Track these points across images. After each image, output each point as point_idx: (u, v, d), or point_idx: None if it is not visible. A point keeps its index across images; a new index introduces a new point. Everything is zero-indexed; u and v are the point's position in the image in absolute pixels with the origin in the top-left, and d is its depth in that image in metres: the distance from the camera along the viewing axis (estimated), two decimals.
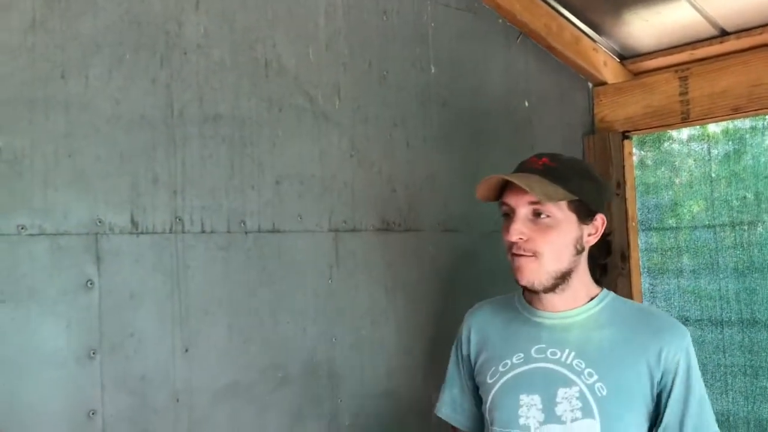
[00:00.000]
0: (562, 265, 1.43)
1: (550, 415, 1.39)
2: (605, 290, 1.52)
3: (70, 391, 1.33)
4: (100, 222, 1.39)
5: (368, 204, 1.80)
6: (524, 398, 1.42)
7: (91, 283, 1.37)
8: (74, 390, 1.34)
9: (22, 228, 1.30)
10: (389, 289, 1.85)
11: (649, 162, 2.44)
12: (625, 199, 2.37)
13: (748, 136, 2.22)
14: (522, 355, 1.47)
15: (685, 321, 2.34)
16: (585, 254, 1.48)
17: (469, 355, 1.58)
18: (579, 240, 1.44)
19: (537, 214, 1.41)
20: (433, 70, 1.99)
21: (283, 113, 1.67)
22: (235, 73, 1.60)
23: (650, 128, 2.35)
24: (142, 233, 1.44)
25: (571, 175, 1.43)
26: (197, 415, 1.49)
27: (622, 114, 2.40)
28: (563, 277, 1.44)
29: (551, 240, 1.41)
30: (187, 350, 1.49)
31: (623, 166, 2.38)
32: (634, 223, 2.39)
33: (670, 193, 2.39)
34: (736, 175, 2.24)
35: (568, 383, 1.40)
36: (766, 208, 2.17)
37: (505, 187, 1.46)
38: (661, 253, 2.40)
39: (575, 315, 1.47)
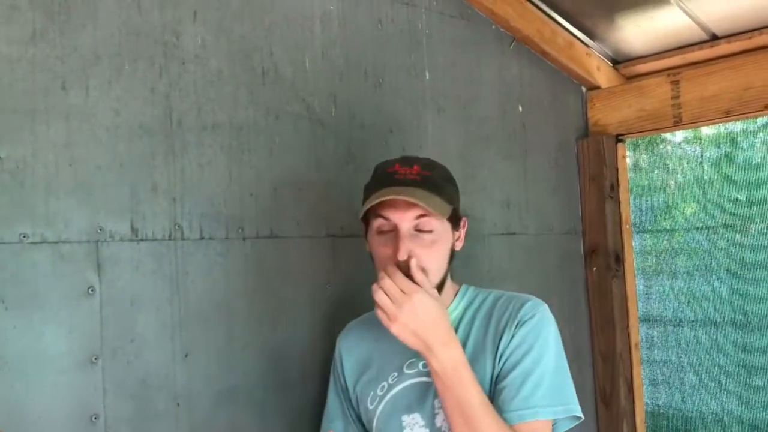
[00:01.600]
0: (440, 277, 1.40)
1: (432, 429, 1.36)
2: (464, 285, 1.49)
3: (72, 396, 1.35)
4: (100, 230, 1.41)
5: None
6: (406, 419, 1.39)
7: (92, 290, 1.39)
8: (77, 395, 1.36)
9: (24, 236, 1.32)
10: None
11: (642, 165, 2.47)
12: (619, 202, 2.40)
13: (739, 139, 2.25)
14: (396, 374, 1.43)
15: (680, 321, 2.37)
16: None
17: (346, 385, 1.53)
18: (452, 248, 1.43)
19: (420, 228, 1.36)
20: (427, 77, 2.02)
21: (280, 121, 1.69)
22: (233, 82, 1.62)
23: (643, 132, 2.38)
24: (142, 240, 1.47)
25: (443, 181, 1.41)
26: (198, 419, 1.52)
27: (616, 117, 2.43)
28: (439, 288, 1.39)
29: (437, 255, 1.37)
30: (187, 355, 1.51)
31: (617, 169, 2.41)
32: (628, 226, 2.42)
33: (664, 195, 2.42)
34: (729, 177, 2.27)
35: None
36: (758, 210, 2.20)
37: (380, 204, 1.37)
38: (656, 255, 2.43)
39: None
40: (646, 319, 2.44)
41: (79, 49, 1.41)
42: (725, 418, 2.26)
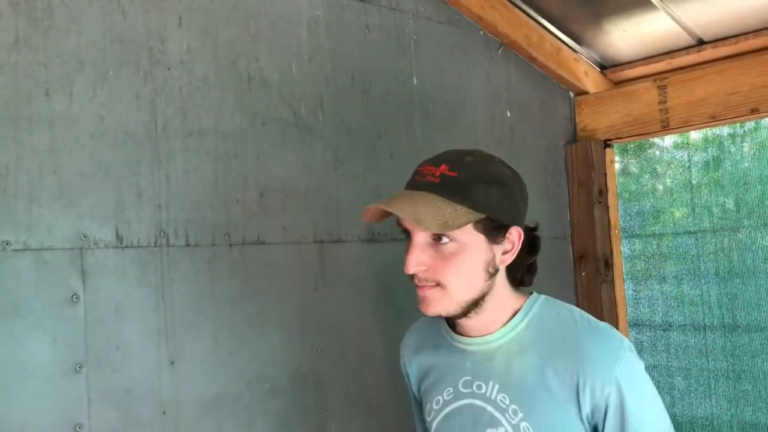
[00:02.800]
0: (473, 293, 1.21)
1: None
2: (532, 297, 1.29)
3: (56, 405, 1.34)
4: (84, 237, 1.40)
5: (353, 215, 1.82)
6: None
7: (76, 298, 1.38)
8: (61, 404, 1.35)
9: (7, 244, 1.31)
10: (375, 300, 1.86)
11: (631, 170, 2.48)
12: (608, 207, 2.40)
13: (726, 143, 2.26)
14: (451, 389, 1.31)
15: (669, 326, 2.37)
16: (501, 270, 1.25)
17: (414, 392, 1.44)
18: (491, 263, 1.21)
19: (437, 237, 1.18)
20: (415, 82, 2.02)
21: (267, 126, 1.69)
22: (219, 87, 1.61)
23: (631, 136, 2.39)
24: (126, 247, 1.46)
25: (476, 184, 1.18)
26: (184, 428, 1.50)
27: (604, 123, 2.44)
28: (475, 304, 1.22)
29: (457, 269, 1.18)
30: (173, 363, 1.50)
31: (605, 174, 2.41)
32: (616, 231, 2.42)
33: (652, 200, 2.43)
34: (717, 182, 2.27)
35: (494, 424, 1.23)
36: (746, 214, 2.20)
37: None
38: (644, 260, 2.44)
39: (497, 339, 1.26)
40: (636, 324, 2.44)
41: (63, 55, 1.40)
42: (715, 422, 2.26)
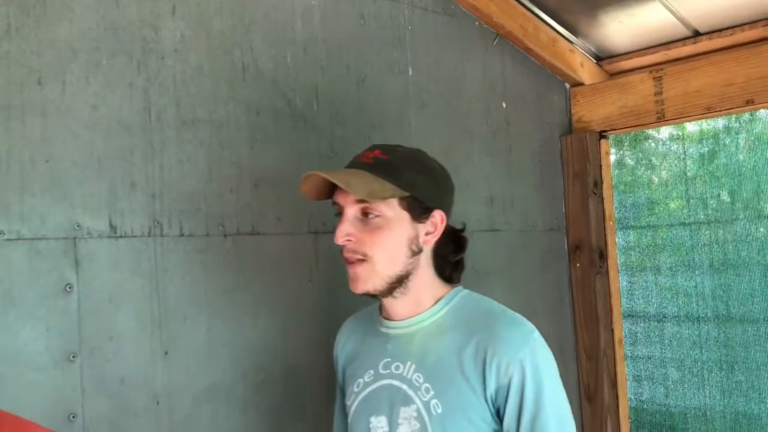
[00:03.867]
0: (396, 268, 1.31)
1: None
2: (456, 289, 1.40)
3: (50, 395, 1.34)
4: (78, 226, 1.40)
5: None
6: (373, 420, 1.35)
7: (69, 287, 1.38)
8: (54, 394, 1.34)
9: (0, 233, 1.30)
10: None
11: (626, 161, 2.48)
12: (603, 198, 2.40)
13: (722, 135, 2.26)
14: (372, 371, 1.38)
15: (663, 317, 2.38)
16: (427, 255, 1.36)
17: (341, 381, 1.51)
18: (414, 240, 1.32)
19: (366, 213, 1.30)
20: (410, 73, 2.01)
21: (261, 116, 1.68)
22: (213, 77, 1.61)
23: (627, 128, 2.38)
24: (120, 237, 1.45)
25: (404, 168, 1.31)
26: (178, 418, 1.50)
27: (599, 114, 2.43)
28: (400, 281, 1.33)
29: (381, 241, 1.29)
30: (166, 353, 1.49)
31: (600, 166, 2.41)
32: (611, 222, 2.43)
33: (647, 191, 2.43)
34: (712, 174, 2.28)
35: (407, 401, 1.31)
36: (741, 207, 2.21)
37: (335, 185, 1.33)
38: (639, 251, 2.44)
39: (418, 322, 1.36)
40: (630, 315, 2.45)
41: (56, 44, 1.39)
42: (708, 412, 2.27)
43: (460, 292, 1.40)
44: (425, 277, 1.37)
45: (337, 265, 1.77)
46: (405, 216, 1.31)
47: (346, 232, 1.30)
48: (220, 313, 1.58)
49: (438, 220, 1.35)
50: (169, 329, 1.50)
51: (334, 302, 1.78)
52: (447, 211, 1.38)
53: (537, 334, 1.30)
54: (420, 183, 1.32)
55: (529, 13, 2.27)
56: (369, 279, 1.31)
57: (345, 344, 1.50)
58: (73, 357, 1.37)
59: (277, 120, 1.71)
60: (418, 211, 1.33)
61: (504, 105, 2.28)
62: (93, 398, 1.39)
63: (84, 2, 1.43)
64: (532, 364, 1.26)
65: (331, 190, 1.35)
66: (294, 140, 1.74)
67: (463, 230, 1.45)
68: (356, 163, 1.34)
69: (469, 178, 2.14)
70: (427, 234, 1.35)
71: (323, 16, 1.82)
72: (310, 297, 1.74)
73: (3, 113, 1.33)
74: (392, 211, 1.30)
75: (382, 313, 1.42)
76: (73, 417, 1.36)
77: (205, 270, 1.57)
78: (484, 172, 2.20)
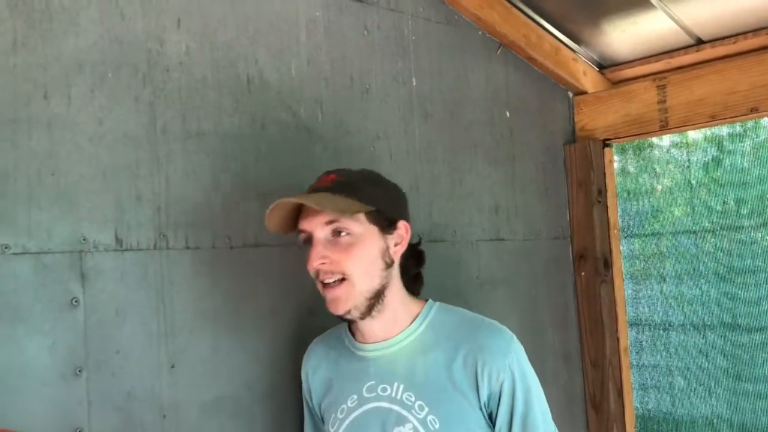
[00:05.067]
0: (374, 283, 1.35)
1: None
2: (428, 303, 1.45)
3: (56, 410, 1.33)
4: (84, 240, 1.39)
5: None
6: None
7: (76, 301, 1.37)
8: (61, 408, 1.34)
9: (6, 247, 1.30)
10: None
11: (630, 169, 2.48)
12: (607, 207, 2.40)
13: (726, 142, 2.26)
14: (355, 396, 1.40)
15: (669, 326, 2.37)
16: (396, 268, 1.41)
17: (314, 405, 1.52)
18: (386, 252, 1.37)
19: (337, 233, 1.34)
20: (414, 83, 2.02)
21: (266, 128, 1.68)
22: (218, 89, 1.61)
23: (630, 136, 2.39)
24: (126, 250, 1.45)
25: (362, 185, 1.37)
26: (185, 431, 1.50)
27: (603, 122, 2.44)
28: (377, 296, 1.36)
29: (356, 257, 1.33)
30: (173, 366, 1.49)
31: (604, 174, 2.41)
32: (616, 231, 2.42)
33: (652, 199, 2.43)
34: (716, 181, 2.27)
35: (401, 421, 1.34)
36: (747, 214, 2.20)
37: (299, 215, 1.39)
38: (644, 260, 2.44)
39: (399, 342, 1.40)
40: (635, 324, 2.44)
41: (61, 58, 1.39)
42: (715, 421, 2.26)
43: (433, 306, 1.45)
44: (398, 291, 1.42)
45: None
46: (374, 229, 1.36)
47: (320, 254, 1.33)
48: (225, 326, 1.58)
49: (403, 230, 1.41)
50: (176, 342, 1.50)
51: None
52: (408, 221, 1.44)
53: (515, 338, 1.39)
54: (380, 197, 1.38)
55: (532, 23, 2.27)
56: (349, 298, 1.34)
57: (316, 370, 1.52)
58: (80, 371, 1.37)
59: (282, 132, 1.71)
60: (385, 223, 1.37)
61: (507, 114, 2.28)
62: (100, 412, 1.38)
63: (89, 16, 1.43)
64: (519, 368, 1.35)
65: (293, 222, 1.40)
66: (299, 152, 1.74)
67: (419, 243, 1.50)
68: (316, 189, 1.38)
69: (473, 188, 2.14)
70: (395, 245, 1.40)
71: (327, 28, 1.82)
72: (315, 309, 1.73)
73: (9, 127, 1.33)
74: (361, 227, 1.34)
75: (357, 338, 1.44)
76: (80, 431, 1.35)
77: (211, 282, 1.56)
78: (488, 181, 2.20)
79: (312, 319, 1.72)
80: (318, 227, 1.34)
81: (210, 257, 1.56)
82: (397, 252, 1.40)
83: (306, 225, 1.36)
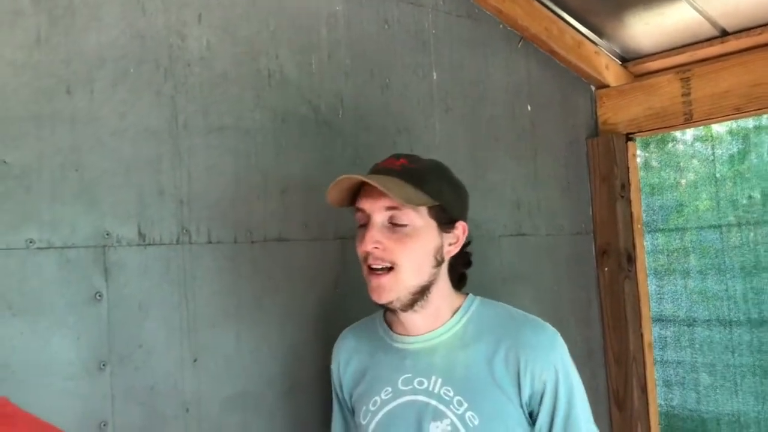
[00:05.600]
0: (421, 279, 1.30)
1: None
2: (469, 297, 1.40)
3: (80, 403, 1.34)
4: (107, 234, 1.40)
5: None
6: None
7: (99, 296, 1.38)
8: (84, 402, 1.34)
9: (31, 242, 1.31)
10: None
11: (653, 163, 2.45)
12: (630, 201, 2.37)
13: (752, 135, 2.22)
14: (390, 389, 1.35)
15: (693, 321, 2.34)
16: (445, 266, 1.36)
17: (344, 396, 1.48)
18: (439, 250, 1.32)
19: (395, 221, 1.28)
20: (435, 77, 2.00)
21: (287, 123, 1.68)
22: (239, 84, 1.61)
23: (653, 130, 2.36)
24: (149, 245, 1.45)
25: (431, 177, 1.31)
26: (207, 425, 1.50)
27: (625, 116, 2.41)
28: (422, 292, 1.31)
29: (410, 250, 1.27)
30: (195, 360, 1.49)
31: (627, 168, 2.38)
32: (639, 225, 2.40)
33: (675, 194, 2.39)
34: (741, 174, 2.24)
35: (438, 416, 1.28)
36: None
37: (359, 191, 1.33)
38: (668, 254, 2.41)
39: (439, 335, 1.35)
40: (659, 320, 2.42)
41: (84, 53, 1.40)
42: (741, 418, 2.22)
43: (475, 301, 1.40)
44: (443, 289, 1.36)
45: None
46: (433, 225, 1.31)
47: (375, 239, 1.28)
48: (248, 320, 1.57)
49: (461, 231, 1.36)
50: (198, 337, 1.50)
51: (361, 309, 1.76)
52: (467, 222, 1.39)
53: (559, 335, 1.33)
54: (446, 192, 1.32)
55: (553, 16, 2.25)
56: (394, 289, 1.29)
57: (348, 362, 1.47)
58: (103, 365, 1.37)
59: (302, 126, 1.71)
60: (445, 221, 1.32)
61: (529, 108, 2.26)
62: (123, 406, 1.39)
63: (111, 11, 1.44)
64: (563, 366, 1.30)
65: (353, 197, 1.34)
66: (319, 146, 1.73)
67: (468, 245, 1.45)
68: (383, 170, 1.32)
69: (494, 182, 2.13)
70: (450, 245, 1.35)
71: (347, 22, 1.82)
72: (337, 304, 1.73)
73: (33, 122, 1.33)
74: (421, 220, 1.29)
75: (394, 329, 1.40)
76: (104, 425, 1.36)
77: (233, 277, 1.56)
78: (510, 176, 2.19)
79: (335, 315, 1.72)
80: (378, 210, 1.28)
81: (232, 252, 1.56)
82: (450, 252, 1.35)
83: (366, 205, 1.30)
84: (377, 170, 1.34)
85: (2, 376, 1.26)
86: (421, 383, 1.32)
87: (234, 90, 1.60)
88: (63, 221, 1.35)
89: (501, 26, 2.19)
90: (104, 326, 1.38)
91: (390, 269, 1.28)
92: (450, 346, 1.34)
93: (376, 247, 1.28)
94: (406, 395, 1.33)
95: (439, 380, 1.31)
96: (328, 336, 1.70)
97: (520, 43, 2.24)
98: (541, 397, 1.28)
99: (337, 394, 1.52)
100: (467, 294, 1.42)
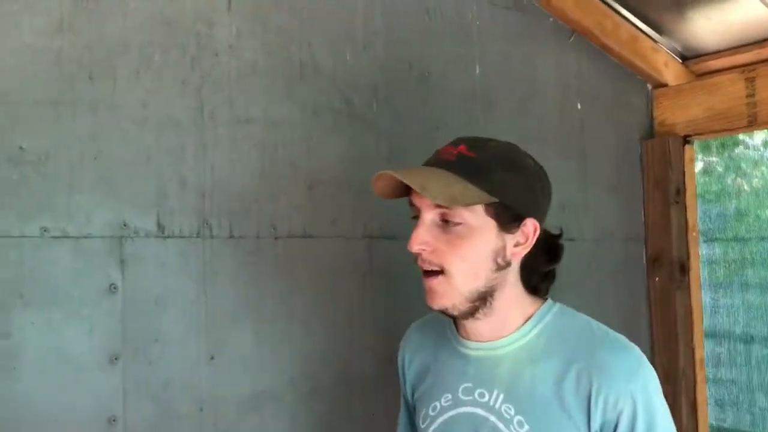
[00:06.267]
0: (478, 284, 1.14)
1: None
2: (547, 304, 1.21)
3: (91, 397, 1.31)
4: (125, 225, 1.37)
5: (406, 210, 1.73)
6: None
7: (114, 288, 1.35)
8: (95, 395, 1.32)
9: (45, 230, 1.28)
10: None
11: (712, 168, 2.30)
12: (686, 208, 2.24)
13: None
14: (450, 396, 1.22)
15: (750, 338, 2.19)
16: (514, 268, 1.18)
17: (407, 392, 1.36)
18: (501, 253, 1.14)
19: (446, 219, 1.12)
20: (478, 71, 1.91)
21: (318, 116, 1.62)
22: (269, 74, 1.56)
23: (713, 132, 2.21)
24: (168, 237, 1.41)
25: (494, 168, 1.12)
26: (222, 425, 1.45)
27: (684, 117, 2.27)
28: (483, 299, 1.15)
29: (461, 253, 1.12)
30: (212, 358, 1.45)
31: (683, 173, 2.24)
32: (694, 234, 2.25)
33: (736, 201, 2.24)
34: None
35: None
36: None
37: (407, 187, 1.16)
38: (725, 266, 2.26)
39: (505, 345, 1.18)
40: (713, 335, 2.27)
41: (107, 39, 1.37)
42: None
43: (552, 308, 1.21)
44: (512, 294, 1.19)
45: (391, 272, 1.70)
46: (491, 225, 1.13)
47: (422, 239, 1.13)
48: (268, 318, 1.52)
49: (530, 230, 1.16)
50: (216, 333, 1.46)
51: (388, 311, 1.70)
52: (542, 218, 1.19)
53: (645, 360, 1.14)
54: (511, 186, 1.13)
55: (608, 9, 2.13)
56: (446, 294, 1.14)
57: (412, 359, 1.35)
58: (116, 358, 1.34)
59: (334, 119, 1.64)
60: (508, 219, 1.14)
61: (579, 106, 2.15)
62: (135, 401, 1.35)
63: None
64: (644, 396, 1.11)
65: (407, 187, 1.16)
66: (352, 141, 1.67)
67: (559, 236, 1.26)
68: (438, 161, 1.15)
69: None
70: (516, 245, 1.16)
71: (385, 12, 1.74)
72: (363, 304, 1.66)
73: (53, 109, 1.31)
74: (477, 219, 1.12)
75: (459, 331, 1.24)
76: (114, 420, 1.33)
77: (255, 273, 1.51)
78: (557, 176, 2.04)
79: (361, 316, 1.66)
80: (427, 207, 1.13)
81: (254, 247, 1.51)
82: (517, 254, 1.16)
83: (416, 200, 1.15)
84: (432, 160, 1.18)
85: (12, 366, 1.25)
86: (482, 395, 1.18)
87: (263, 80, 1.55)
88: (79, 210, 1.32)
89: (551, 19, 2.08)
90: (118, 319, 1.35)
91: (440, 272, 1.14)
92: (517, 358, 1.18)
93: (423, 249, 1.13)
94: (466, 406, 1.20)
95: (501, 395, 1.17)
96: (352, 337, 1.64)
97: (572, 38, 2.13)
98: (615, 429, 1.10)
99: (403, 393, 1.40)
100: (545, 299, 1.23)
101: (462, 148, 1.14)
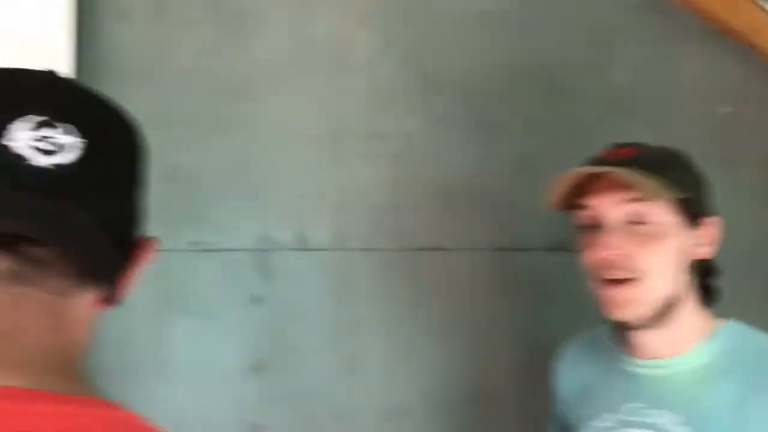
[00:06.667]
0: (667, 289, 1.05)
1: None
2: (730, 324, 1.10)
3: (234, 404, 1.37)
4: (269, 238, 1.42)
5: (540, 221, 1.69)
6: None
7: (259, 299, 1.40)
8: (239, 403, 1.37)
9: (193, 244, 1.35)
10: (568, 315, 1.71)
11: None
12: None
13: None
14: (613, 416, 1.13)
15: None
16: (689, 275, 1.09)
17: (561, 413, 1.27)
18: (686, 254, 1.06)
19: (635, 219, 1.04)
20: (613, 77, 1.85)
21: (450, 128, 1.62)
22: (402, 88, 1.57)
23: None
24: (308, 250, 1.46)
25: (671, 164, 1.06)
26: None
27: None
28: (669, 306, 1.06)
29: (658, 253, 1.03)
30: (349, 368, 1.48)
31: None
32: None
33: None
34: None
35: None
36: None
37: (578, 190, 1.08)
38: None
39: (680, 363, 1.08)
40: None
41: (251, 59, 1.43)
42: None
43: (733, 326, 1.10)
44: (689, 304, 1.09)
45: (527, 286, 1.67)
46: (680, 222, 1.06)
47: (614, 243, 1.04)
48: (402, 330, 1.53)
49: (715, 229, 1.09)
50: (353, 345, 1.48)
51: (526, 326, 1.66)
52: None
53: None
54: (692, 182, 1.08)
55: (756, 7, 2.00)
56: (639, 303, 1.05)
57: (568, 377, 1.27)
58: (259, 368, 1.39)
59: (466, 131, 1.64)
60: (690, 216, 1.07)
61: (727, 111, 2.03)
62: (276, 410, 1.40)
63: (278, 19, 1.47)
64: None
65: (570, 197, 1.10)
66: (484, 152, 1.65)
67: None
68: (612, 161, 1.07)
69: None
70: (701, 245, 1.08)
71: (517, 20, 1.71)
72: (499, 319, 1.63)
73: (203, 127, 1.39)
74: (666, 217, 1.04)
75: (626, 347, 1.15)
76: (257, 428, 1.38)
77: (390, 285, 1.53)
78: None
79: (492, 334, 1.63)
80: (611, 207, 1.05)
81: (389, 259, 1.53)
82: (702, 256, 1.09)
83: (595, 201, 1.06)
84: (601, 161, 1.09)
85: (159, 373, 1.32)
86: (649, 416, 1.09)
87: (396, 94, 1.57)
88: (227, 225, 1.39)
89: (693, 20, 1.98)
90: (261, 330, 1.40)
91: (632, 279, 1.05)
92: (692, 379, 1.08)
93: (618, 254, 1.04)
94: (631, 427, 1.11)
95: (675, 418, 1.07)
96: (487, 353, 1.62)
97: (717, 39, 2.01)
98: None
99: (555, 411, 1.32)
100: (717, 316, 1.13)
101: (633, 150, 1.08)
